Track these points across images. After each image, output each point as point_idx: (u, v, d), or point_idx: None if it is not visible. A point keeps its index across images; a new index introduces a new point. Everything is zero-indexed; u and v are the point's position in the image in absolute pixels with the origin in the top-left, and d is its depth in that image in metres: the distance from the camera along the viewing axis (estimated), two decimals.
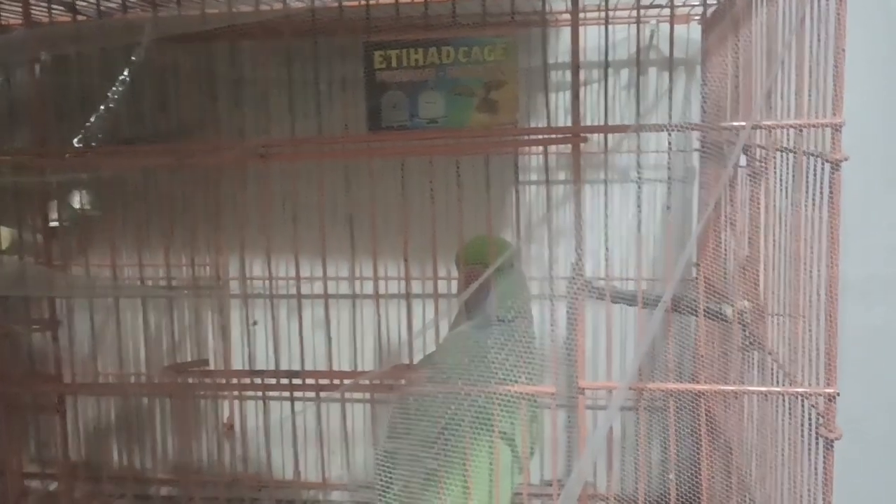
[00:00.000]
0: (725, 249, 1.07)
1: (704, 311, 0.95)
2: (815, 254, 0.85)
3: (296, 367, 1.33)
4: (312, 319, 1.36)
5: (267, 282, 1.29)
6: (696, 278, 1.16)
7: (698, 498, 0.96)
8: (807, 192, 0.85)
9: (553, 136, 1.12)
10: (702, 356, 0.97)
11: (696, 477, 0.97)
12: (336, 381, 1.26)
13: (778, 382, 0.93)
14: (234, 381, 1.28)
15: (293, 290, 1.36)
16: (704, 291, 0.96)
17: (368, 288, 1.44)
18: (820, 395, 0.85)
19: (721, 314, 0.98)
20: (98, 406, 1.37)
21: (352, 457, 1.33)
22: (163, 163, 1.17)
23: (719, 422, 1.08)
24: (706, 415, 0.96)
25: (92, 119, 1.20)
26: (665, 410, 0.97)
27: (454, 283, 1.40)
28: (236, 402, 1.43)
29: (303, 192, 1.25)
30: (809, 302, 0.86)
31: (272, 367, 1.29)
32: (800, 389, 0.87)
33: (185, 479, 1.38)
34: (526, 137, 1.19)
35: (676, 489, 0.96)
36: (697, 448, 0.97)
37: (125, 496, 1.42)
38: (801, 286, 0.86)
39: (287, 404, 1.30)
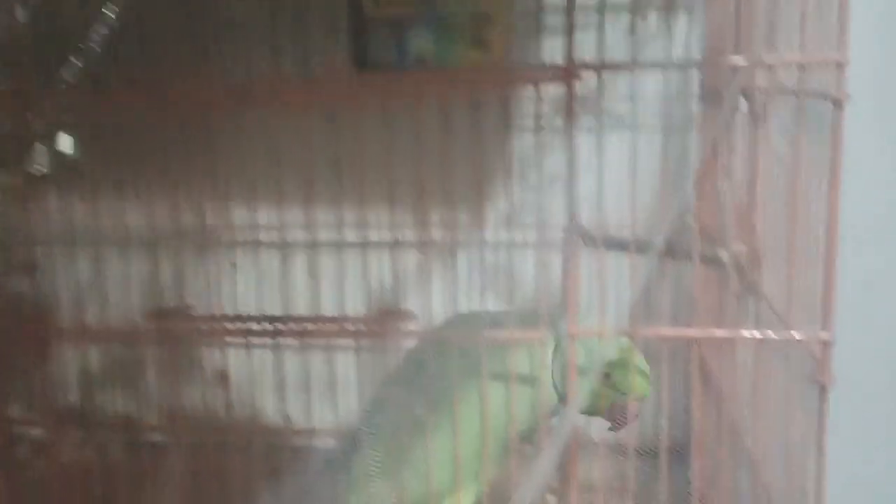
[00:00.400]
0: (723, 192, 1.04)
1: (699, 255, 0.93)
2: (815, 196, 0.82)
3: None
4: (302, 267, 1.34)
5: (251, 229, 1.27)
6: (692, 223, 1.13)
7: (689, 444, 0.95)
8: (808, 132, 0.82)
9: (545, 73, 1.09)
10: (696, 301, 0.94)
11: (688, 423, 0.96)
12: (321, 327, 1.24)
13: (773, 328, 0.91)
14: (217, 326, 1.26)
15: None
16: (700, 236, 0.93)
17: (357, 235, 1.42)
18: (816, 341, 0.83)
19: (716, 259, 0.96)
20: (83, 353, 1.36)
21: (339, 403, 1.32)
22: (140, 105, 1.14)
23: (713, 368, 1.06)
24: (699, 361, 0.94)
25: (69, 60, 1.16)
26: (658, 356, 0.95)
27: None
28: (221, 349, 1.42)
29: (286, 135, 1.21)
30: (808, 246, 0.84)
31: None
32: (795, 335, 0.85)
33: (173, 426, 1.37)
34: (516, 75, 1.14)
35: (668, 435, 0.95)
36: (689, 394, 0.95)
37: (114, 442, 1.42)
38: (800, 230, 0.84)
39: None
